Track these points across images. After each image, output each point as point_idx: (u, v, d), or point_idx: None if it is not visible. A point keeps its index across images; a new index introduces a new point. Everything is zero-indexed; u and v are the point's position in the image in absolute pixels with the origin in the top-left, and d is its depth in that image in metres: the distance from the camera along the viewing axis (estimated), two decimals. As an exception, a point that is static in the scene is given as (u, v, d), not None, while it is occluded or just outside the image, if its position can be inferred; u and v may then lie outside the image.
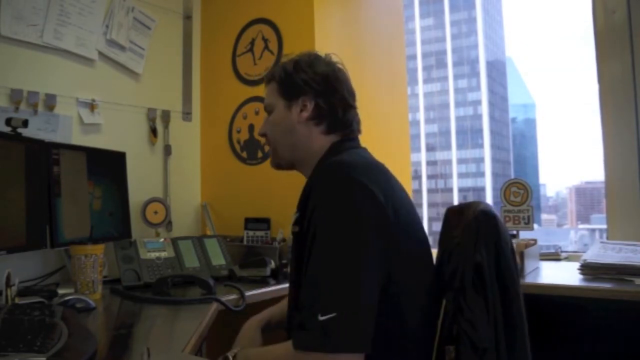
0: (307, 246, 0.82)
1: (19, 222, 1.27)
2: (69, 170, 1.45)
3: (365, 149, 1.02)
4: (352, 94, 1.03)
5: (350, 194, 0.80)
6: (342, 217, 0.79)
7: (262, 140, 1.95)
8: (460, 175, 53.58)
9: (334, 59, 1.03)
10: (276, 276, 1.55)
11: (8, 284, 1.06)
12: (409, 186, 2.27)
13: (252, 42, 2.03)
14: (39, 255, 1.49)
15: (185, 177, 2.11)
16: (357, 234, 0.78)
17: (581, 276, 1.37)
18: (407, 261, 0.83)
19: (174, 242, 1.65)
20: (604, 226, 1.77)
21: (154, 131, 1.97)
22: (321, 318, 0.71)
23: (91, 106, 1.77)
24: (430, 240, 1.00)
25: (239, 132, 2.06)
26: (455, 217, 0.94)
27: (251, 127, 2.01)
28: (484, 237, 0.86)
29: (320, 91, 0.98)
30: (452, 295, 0.85)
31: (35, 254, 1.45)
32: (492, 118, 53.36)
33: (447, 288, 0.87)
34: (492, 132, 53.21)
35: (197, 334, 0.96)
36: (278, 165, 1.07)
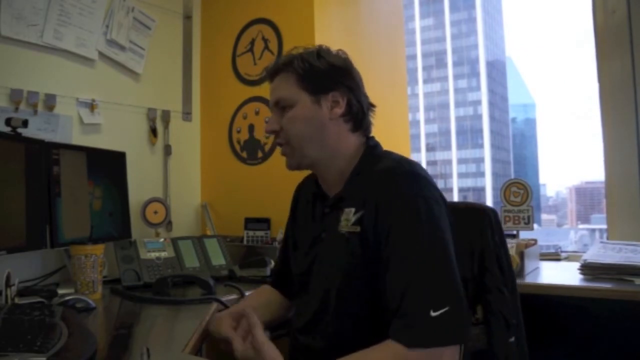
0: (384, 248, 0.82)
1: (19, 222, 1.27)
2: (69, 170, 1.45)
3: None
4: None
5: (431, 192, 0.83)
6: (431, 216, 0.80)
7: (263, 140, 1.95)
8: (460, 175, 53.62)
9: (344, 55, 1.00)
10: (276, 276, 1.55)
11: (8, 284, 1.06)
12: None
13: (252, 42, 2.03)
14: (39, 255, 1.49)
15: (185, 177, 2.11)
16: (443, 231, 0.81)
17: (581, 276, 1.37)
18: None
19: (174, 242, 1.65)
20: (604, 226, 1.77)
21: (154, 131, 1.97)
22: (434, 314, 0.73)
23: (91, 106, 1.77)
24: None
25: (239, 132, 2.06)
26: None
27: (251, 127, 2.01)
28: (495, 228, 1.00)
29: (351, 87, 0.96)
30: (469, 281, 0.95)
31: (35, 254, 1.45)
32: (492, 118, 53.40)
33: None
34: (492, 132, 53.25)
35: (197, 334, 0.96)
36: (298, 165, 0.98)
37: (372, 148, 0.97)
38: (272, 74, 0.98)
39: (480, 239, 0.99)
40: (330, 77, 0.94)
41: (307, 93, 0.93)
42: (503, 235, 1.02)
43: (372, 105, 1.00)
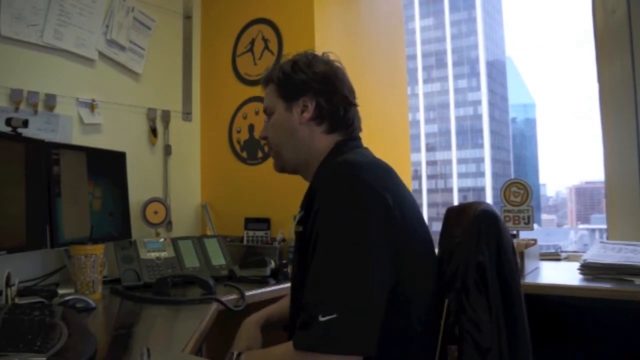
0: (310, 246, 0.81)
1: (19, 222, 1.27)
2: (69, 170, 1.45)
3: (367, 149, 1.01)
4: (352, 92, 1.02)
5: (358, 194, 0.79)
6: (348, 217, 0.77)
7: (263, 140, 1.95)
8: (460, 175, 53.60)
9: (332, 57, 1.03)
10: (276, 276, 1.55)
11: (8, 284, 1.06)
12: (409, 186, 2.26)
13: (252, 42, 2.03)
14: (39, 255, 1.49)
15: (185, 177, 2.11)
16: (364, 235, 0.76)
17: (581, 276, 1.37)
18: (413, 262, 0.83)
19: (174, 242, 1.65)
20: (604, 226, 1.77)
21: (154, 131, 1.97)
22: (322, 319, 0.71)
23: (91, 106, 1.77)
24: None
25: (239, 132, 2.06)
26: (455, 217, 0.95)
27: (251, 127, 2.01)
28: (485, 237, 0.86)
29: (321, 90, 0.98)
30: (454, 295, 0.85)
31: (35, 254, 1.45)
32: (492, 118, 53.38)
33: (449, 288, 0.87)
34: (492, 132, 53.23)
35: (197, 334, 0.96)
36: (282, 169, 1.06)
37: (338, 147, 0.98)
38: (263, 84, 1.07)
39: (463, 249, 0.87)
40: (301, 83, 0.99)
41: (282, 101, 1.01)
42: (500, 244, 0.86)
43: (351, 104, 1.01)
